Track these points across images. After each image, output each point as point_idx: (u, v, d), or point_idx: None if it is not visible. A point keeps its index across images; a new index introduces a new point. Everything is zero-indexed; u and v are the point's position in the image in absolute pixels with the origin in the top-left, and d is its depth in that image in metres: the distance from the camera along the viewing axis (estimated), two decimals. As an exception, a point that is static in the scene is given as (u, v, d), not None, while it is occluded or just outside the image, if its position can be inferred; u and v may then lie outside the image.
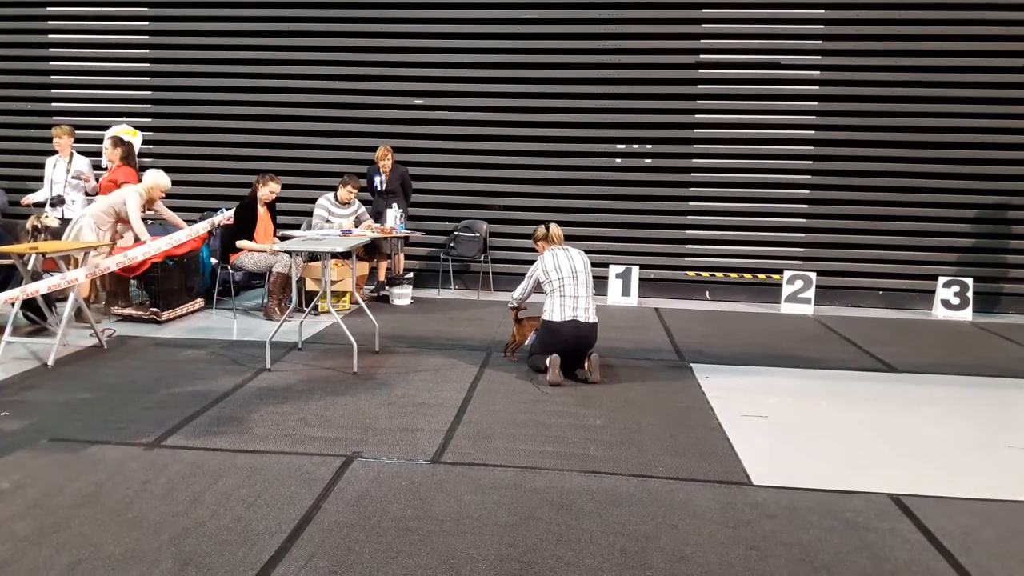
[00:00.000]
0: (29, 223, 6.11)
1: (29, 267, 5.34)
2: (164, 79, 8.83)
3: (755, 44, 8.08)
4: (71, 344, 5.54)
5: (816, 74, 8.08)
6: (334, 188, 7.57)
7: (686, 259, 8.48)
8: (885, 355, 6.05)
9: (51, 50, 8.94)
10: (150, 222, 6.87)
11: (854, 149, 8.13)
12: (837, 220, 8.23)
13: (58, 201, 7.16)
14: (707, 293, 8.51)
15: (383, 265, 7.96)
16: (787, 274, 8.04)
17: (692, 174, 8.37)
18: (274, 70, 8.65)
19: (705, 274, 8.46)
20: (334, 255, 6.60)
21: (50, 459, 3.54)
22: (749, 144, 8.24)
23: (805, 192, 8.27)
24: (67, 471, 3.40)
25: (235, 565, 2.66)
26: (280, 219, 7.35)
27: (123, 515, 3.00)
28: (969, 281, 7.88)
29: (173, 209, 7.05)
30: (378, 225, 7.59)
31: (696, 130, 8.29)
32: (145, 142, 8.56)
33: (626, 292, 8.22)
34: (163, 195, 6.64)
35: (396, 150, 8.02)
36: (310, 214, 7.64)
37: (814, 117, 8.14)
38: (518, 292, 5.50)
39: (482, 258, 8.42)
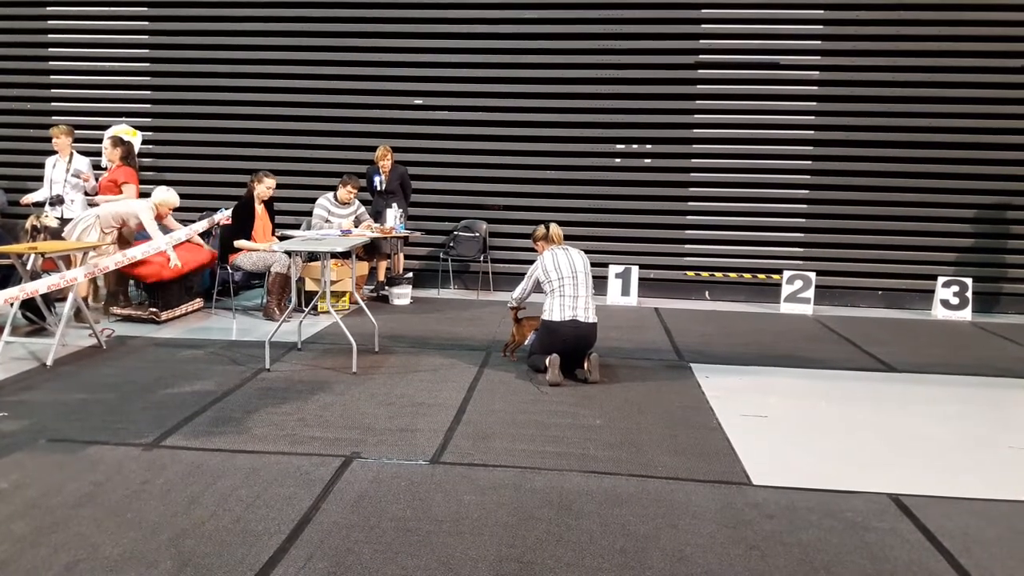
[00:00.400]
0: (28, 223, 6.10)
1: (28, 267, 5.34)
2: (164, 79, 8.83)
3: (754, 44, 8.08)
4: (70, 344, 5.54)
5: (815, 74, 8.08)
6: (334, 188, 7.56)
7: (686, 259, 8.48)
8: (884, 355, 6.05)
9: (51, 50, 8.93)
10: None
11: (853, 149, 8.13)
12: (836, 220, 8.23)
13: (57, 200, 7.16)
14: (707, 293, 8.50)
15: (383, 265, 7.96)
16: (786, 274, 8.04)
17: (691, 174, 8.37)
18: (274, 70, 8.65)
19: (705, 274, 8.46)
20: (333, 255, 6.60)
21: (48, 459, 3.53)
22: (748, 144, 8.23)
23: (804, 192, 8.27)
24: (65, 471, 3.40)
25: (234, 566, 2.65)
26: (279, 219, 7.35)
27: (122, 515, 3.00)
28: (968, 281, 7.88)
29: (173, 209, 7.05)
30: (378, 225, 7.58)
31: (695, 130, 8.29)
32: (145, 142, 8.56)
33: (626, 292, 8.21)
34: (170, 211, 6.65)
35: (396, 150, 8.01)
36: (310, 214, 7.63)
37: (813, 117, 8.14)
38: (517, 292, 5.49)
39: (481, 258, 8.42)
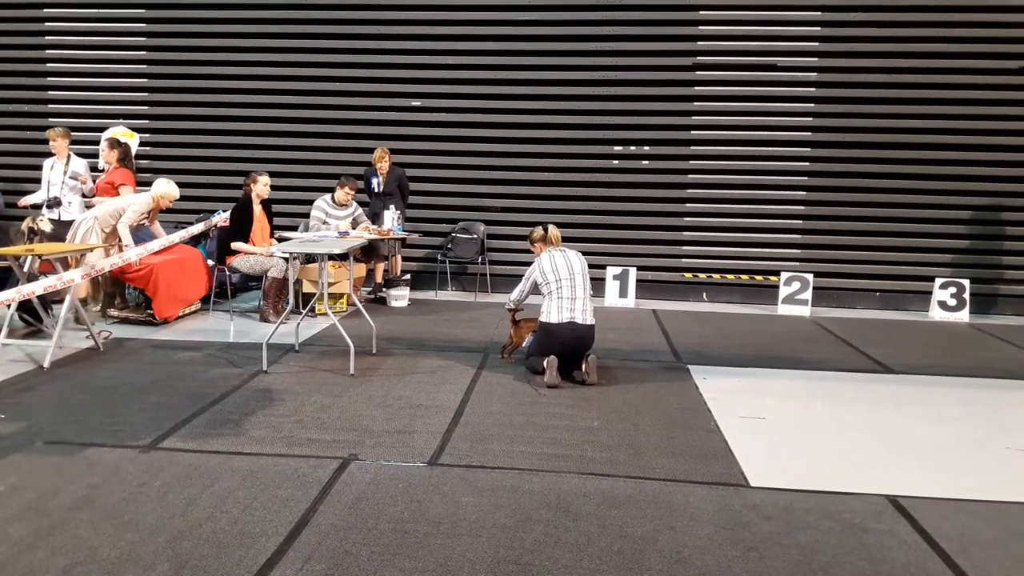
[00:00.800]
0: (24, 225, 6.07)
1: (25, 269, 5.33)
2: (161, 81, 8.82)
3: (752, 47, 8.09)
4: (67, 346, 5.53)
5: (812, 76, 8.09)
6: (331, 190, 7.56)
7: (683, 261, 8.48)
8: (882, 356, 6.06)
9: (48, 52, 8.92)
10: (141, 226, 6.85)
11: (850, 151, 8.14)
12: (834, 222, 8.24)
13: (55, 203, 7.15)
14: (704, 294, 8.51)
15: (380, 267, 7.96)
16: (784, 275, 8.05)
17: (689, 176, 8.38)
18: (271, 71, 8.65)
19: (702, 275, 8.46)
20: (331, 257, 6.60)
21: (45, 462, 3.52)
22: (746, 146, 8.24)
23: (802, 194, 8.28)
24: (63, 474, 3.39)
25: (231, 568, 2.65)
26: (277, 221, 7.34)
27: (119, 518, 2.99)
28: (966, 282, 7.89)
29: (170, 211, 7.05)
30: (375, 227, 7.58)
31: (693, 132, 8.30)
32: (142, 144, 8.54)
33: (623, 293, 8.22)
34: (170, 204, 6.65)
35: (394, 152, 8.01)
36: (307, 216, 7.63)
37: (810, 119, 8.15)
38: (515, 294, 5.49)
39: (479, 260, 8.42)
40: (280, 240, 7.04)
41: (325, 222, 7.44)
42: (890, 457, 3.91)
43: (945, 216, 8.13)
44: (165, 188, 6.54)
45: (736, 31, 8.10)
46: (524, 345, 5.49)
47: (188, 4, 8.66)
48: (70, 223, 6.52)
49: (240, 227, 6.74)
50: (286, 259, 6.55)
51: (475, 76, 8.44)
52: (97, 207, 6.52)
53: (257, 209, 6.86)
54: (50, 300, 5.87)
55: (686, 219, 8.44)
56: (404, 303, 7.69)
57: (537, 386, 4.93)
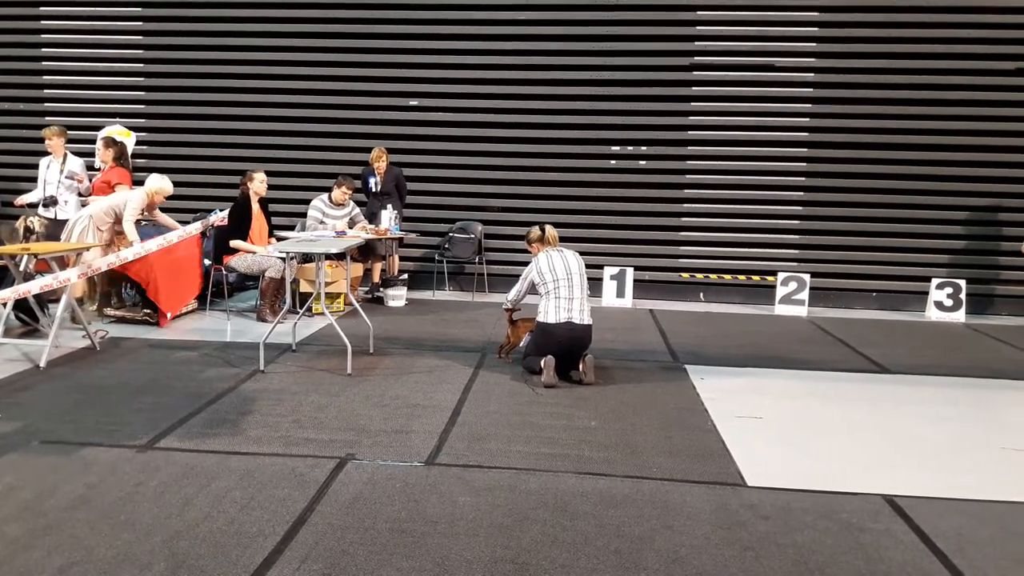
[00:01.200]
0: (20, 224, 6.05)
1: (21, 268, 5.32)
2: (158, 79, 8.81)
3: (750, 47, 8.10)
4: (63, 346, 5.51)
5: (810, 76, 8.11)
6: (328, 189, 7.55)
7: (681, 261, 8.49)
8: (878, 356, 6.07)
9: (44, 50, 8.90)
10: (143, 223, 6.85)
11: (847, 152, 8.16)
12: (831, 222, 8.26)
13: (51, 202, 7.13)
14: (701, 295, 8.52)
15: (377, 266, 7.95)
16: (781, 276, 8.06)
17: (687, 176, 8.38)
18: (268, 71, 8.64)
19: (699, 276, 8.47)
20: (328, 256, 6.59)
21: (42, 461, 3.52)
22: (743, 146, 8.25)
23: (799, 194, 8.29)
24: (59, 473, 3.38)
25: (228, 567, 2.64)
26: (274, 220, 7.33)
27: (115, 517, 2.98)
28: (962, 283, 7.91)
29: (166, 210, 7.04)
30: (373, 226, 7.58)
31: (691, 132, 8.31)
32: (139, 143, 8.53)
33: (621, 293, 8.22)
34: (164, 199, 6.64)
35: (391, 151, 8.01)
36: (304, 215, 7.62)
37: (807, 119, 8.16)
38: (512, 294, 5.49)
39: (477, 259, 8.42)
40: (277, 240, 7.03)
41: (322, 222, 7.44)
42: (887, 457, 3.91)
43: (941, 217, 8.15)
44: (159, 183, 6.53)
45: (733, 31, 8.11)
46: (521, 345, 5.49)
47: (185, 2, 8.64)
48: (66, 222, 6.51)
49: (238, 225, 6.72)
50: (283, 259, 6.54)
51: (473, 76, 8.44)
52: (91, 205, 6.51)
53: (255, 207, 6.85)
54: (46, 299, 5.85)
55: (683, 219, 8.45)
56: (401, 303, 7.69)
57: (534, 386, 4.93)
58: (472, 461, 3.66)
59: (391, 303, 7.65)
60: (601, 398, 4.73)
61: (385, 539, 2.88)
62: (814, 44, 8.06)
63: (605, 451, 3.84)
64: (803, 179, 8.26)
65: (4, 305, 5.28)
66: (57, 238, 6.34)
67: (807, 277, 7.99)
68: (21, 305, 5.64)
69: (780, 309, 8.00)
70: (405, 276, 8.00)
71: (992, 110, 7.94)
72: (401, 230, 7.79)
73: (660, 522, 3.08)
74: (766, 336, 6.75)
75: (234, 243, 6.67)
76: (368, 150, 7.92)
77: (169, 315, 6.42)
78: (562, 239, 5.60)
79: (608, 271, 8.23)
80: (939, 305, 7.93)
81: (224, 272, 6.87)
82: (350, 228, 7.46)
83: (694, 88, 8.24)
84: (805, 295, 7.96)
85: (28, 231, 5.90)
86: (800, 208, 8.31)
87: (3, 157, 8.95)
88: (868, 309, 8.25)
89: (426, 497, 3.25)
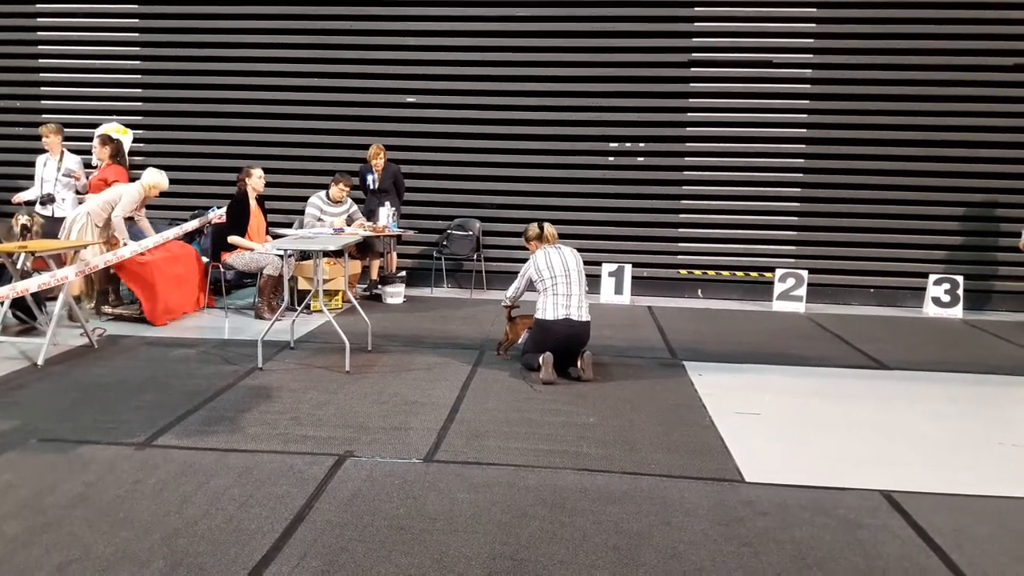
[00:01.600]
0: (17, 223, 6.03)
1: (18, 266, 5.31)
2: (155, 77, 8.79)
3: (747, 43, 8.10)
4: (61, 344, 5.51)
5: (808, 72, 8.11)
6: (326, 186, 7.54)
7: (679, 257, 8.50)
8: (876, 352, 6.08)
9: (40, 47, 8.88)
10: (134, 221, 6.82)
11: (845, 147, 8.16)
12: (829, 218, 8.26)
13: (48, 199, 7.12)
14: (700, 291, 8.52)
15: (375, 264, 7.95)
16: (779, 272, 8.06)
17: (685, 172, 8.38)
18: (266, 68, 8.62)
19: (697, 272, 8.48)
20: (326, 254, 6.58)
21: (40, 459, 3.51)
22: (741, 142, 8.25)
23: (797, 190, 8.29)
24: (57, 471, 3.38)
25: (227, 565, 2.65)
26: (272, 218, 7.33)
27: (114, 515, 2.98)
28: (959, 279, 7.92)
29: (164, 208, 7.03)
30: (370, 223, 7.57)
31: (688, 128, 8.31)
32: (136, 140, 8.51)
33: (619, 290, 8.23)
34: (159, 194, 6.63)
35: (389, 148, 8.00)
36: (302, 212, 7.61)
37: (805, 116, 8.17)
38: (511, 291, 5.49)
39: (475, 257, 8.41)
40: (275, 237, 7.02)
41: (320, 219, 7.43)
42: (885, 453, 3.92)
43: (939, 213, 8.15)
44: (155, 177, 6.52)
45: (731, 28, 8.10)
46: (520, 342, 5.49)
47: None
48: (63, 220, 6.49)
49: (236, 222, 6.72)
50: (281, 256, 6.53)
51: (471, 73, 8.43)
52: (88, 202, 6.49)
53: (253, 204, 6.84)
54: (44, 297, 5.84)
55: (682, 216, 8.45)
56: (399, 300, 7.68)
57: (533, 383, 4.94)
58: (471, 458, 3.66)
59: (389, 300, 7.65)
60: (599, 395, 4.73)
61: (384, 536, 2.88)
62: (812, 41, 8.06)
63: (603, 447, 3.84)
64: (801, 176, 8.26)
65: (2, 303, 5.27)
66: (54, 236, 6.32)
67: (805, 273, 8.00)
68: (19, 303, 5.63)
69: (778, 305, 8.01)
70: (403, 273, 8.00)
71: (990, 106, 7.94)
72: (399, 227, 7.79)
73: (658, 518, 3.09)
74: (764, 332, 6.76)
75: (233, 239, 6.67)
76: (366, 147, 7.91)
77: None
78: (560, 236, 5.61)
79: (606, 268, 8.23)
80: (937, 301, 7.94)
81: (222, 269, 6.86)
82: (348, 225, 7.46)
83: (692, 85, 8.24)
84: (803, 291, 7.97)
85: (25, 229, 5.88)
86: (798, 204, 8.31)
87: (0, 155, 8.93)
88: (866, 305, 8.27)
89: (425, 494, 3.25)
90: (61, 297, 5.30)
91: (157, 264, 6.25)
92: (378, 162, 7.79)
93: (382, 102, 8.57)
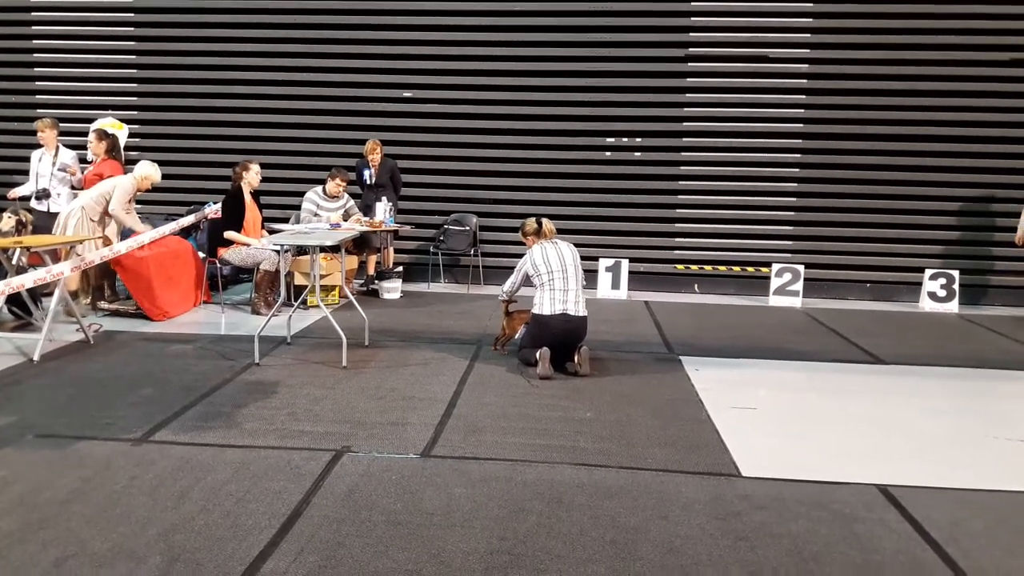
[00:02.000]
0: (9, 219, 6.00)
1: (14, 262, 5.29)
2: (150, 71, 8.76)
3: (744, 38, 8.09)
4: (57, 339, 5.50)
5: (804, 67, 8.10)
6: (323, 181, 7.53)
7: (675, 252, 8.50)
8: (872, 347, 6.09)
9: (35, 42, 8.84)
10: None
11: (842, 143, 8.16)
12: (825, 213, 8.27)
13: (44, 194, 7.10)
14: (696, 286, 8.53)
15: (372, 259, 7.94)
16: (775, 267, 8.07)
17: (681, 167, 8.38)
18: (261, 62, 8.59)
19: (694, 267, 8.48)
20: (323, 249, 6.57)
21: (36, 455, 3.51)
22: (737, 138, 8.25)
23: (793, 185, 8.30)
24: (53, 467, 3.37)
25: (224, 560, 2.64)
26: (268, 213, 7.31)
27: (110, 511, 2.98)
28: (955, 273, 7.93)
29: (159, 203, 7.01)
30: (367, 219, 7.56)
31: (685, 123, 8.30)
32: (131, 135, 8.49)
33: (616, 285, 8.23)
34: (151, 187, 6.61)
35: (385, 143, 7.98)
36: (298, 207, 7.60)
37: (802, 111, 8.17)
38: (507, 286, 5.49)
39: (472, 252, 8.41)
40: (271, 232, 7.00)
41: (316, 214, 7.42)
42: (881, 447, 3.93)
43: (935, 208, 8.17)
44: (147, 169, 6.50)
45: (728, 22, 8.09)
46: (517, 337, 5.49)
47: (177, -6, 8.59)
48: (58, 215, 6.47)
49: (232, 217, 6.70)
50: (278, 251, 6.52)
51: (467, 67, 8.41)
52: (82, 196, 6.46)
53: (248, 199, 6.82)
54: (39, 293, 5.83)
55: (678, 211, 8.45)
56: (396, 295, 7.68)
57: (530, 378, 4.94)
58: (468, 453, 3.67)
59: (386, 296, 7.64)
60: (596, 390, 4.73)
61: (381, 531, 2.88)
62: (808, 35, 8.05)
63: (600, 442, 3.85)
64: (797, 170, 8.27)
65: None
66: (48, 231, 6.30)
67: (801, 268, 8.01)
68: (14, 299, 5.61)
69: (774, 300, 8.02)
70: (400, 268, 7.99)
71: (986, 101, 7.95)
72: (396, 222, 7.78)
73: (655, 512, 3.10)
74: (761, 327, 6.77)
75: (229, 234, 6.65)
76: (362, 142, 7.89)
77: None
78: (557, 231, 5.59)
79: (603, 263, 8.23)
80: (933, 296, 7.96)
81: (218, 265, 6.85)
82: (344, 220, 7.44)
83: (688, 80, 8.23)
84: (799, 286, 7.98)
85: (20, 224, 5.86)
86: (794, 199, 8.32)
87: (-6, 150, 8.91)
88: (862, 300, 8.28)
89: (422, 489, 3.25)
90: (57, 293, 5.28)
91: (154, 259, 6.23)
92: (375, 157, 7.78)
93: (379, 97, 8.55)
